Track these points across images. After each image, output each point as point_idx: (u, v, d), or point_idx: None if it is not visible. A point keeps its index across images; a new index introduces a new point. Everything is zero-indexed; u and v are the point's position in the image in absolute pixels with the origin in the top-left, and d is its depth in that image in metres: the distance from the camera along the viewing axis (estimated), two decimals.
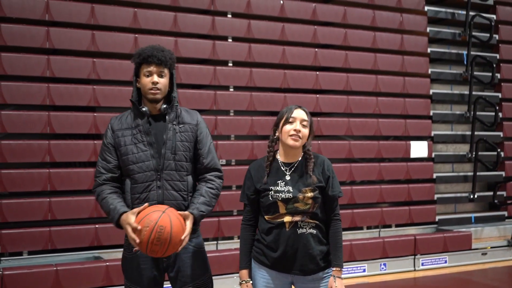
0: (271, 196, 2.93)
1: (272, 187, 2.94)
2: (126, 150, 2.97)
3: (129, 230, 2.77)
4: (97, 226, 5.91)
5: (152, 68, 2.96)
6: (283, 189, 2.92)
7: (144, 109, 2.99)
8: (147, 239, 2.73)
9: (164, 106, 3.01)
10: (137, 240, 2.75)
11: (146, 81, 2.97)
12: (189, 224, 2.87)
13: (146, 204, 2.86)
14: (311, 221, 2.93)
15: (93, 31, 6.35)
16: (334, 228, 3.00)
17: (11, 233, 5.62)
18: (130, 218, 2.79)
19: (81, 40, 6.28)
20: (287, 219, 2.91)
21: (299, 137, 2.93)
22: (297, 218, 2.91)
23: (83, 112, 6.20)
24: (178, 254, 2.98)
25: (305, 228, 2.93)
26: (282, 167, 2.99)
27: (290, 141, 2.93)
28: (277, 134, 3.01)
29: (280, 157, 3.02)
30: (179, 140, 3.00)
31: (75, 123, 6.10)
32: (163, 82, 2.99)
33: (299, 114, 2.97)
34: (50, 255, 5.83)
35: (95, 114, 6.20)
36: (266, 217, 2.97)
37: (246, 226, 3.06)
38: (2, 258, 5.67)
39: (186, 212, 2.90)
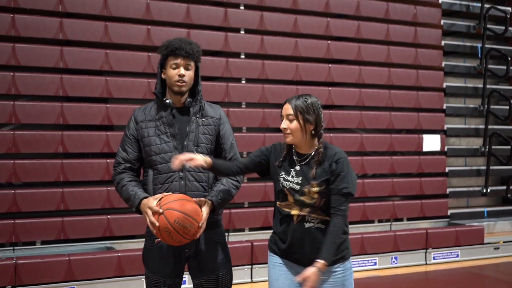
0: (281, 183, 2.91)
1: (283, 173, 2.91)
2: (149, 141, 2.98)
3: (149, 213, 2.79)
4: (109, 216, 5.95)
5: (179, 61, 2.97)
6: (292, 179, 2.89)
7: (168, 101, 3.01)
8: (165, 227, 2.74)
9: (189, 99, 3.03)
10: (157, 224, 2.75)
11: (172, 73, 2.98)
12: (205, 210, 2.88)
13: (169, 193, 2.87)
14: (319, 216, 2.88)
15: (106, 22, 6.36)
16: (332, 222, 2.85)
17: (24, 222, 5.67)
18: (151, 202, 2.81)
19: (94, 31, 6.30)
20: (294, 212, 2.88)
21: (289, 133, 2.91)
22: (304, 212, 2.87)
23: (96, 103, 6.23)
24: (200, 245, 3.00)
25: (313, 223, 2.88)
26: (294, 157, 2.96)
27: (285, 139, 2.96)
28: None
29: (295, 147, 2.99)
30: (202, 132, 3.02)
31: (88, 114, 6.13)
32: (189, 75, 3.00)
33: (285, 110, 2.95)
34: (62, 245, 5.88)
35: (107, 105, 6.23)
36: (278, 203, 2.95)
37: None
38: (15, 248, 5.73)
39: (203, 199, 2.92)
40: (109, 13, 6.42)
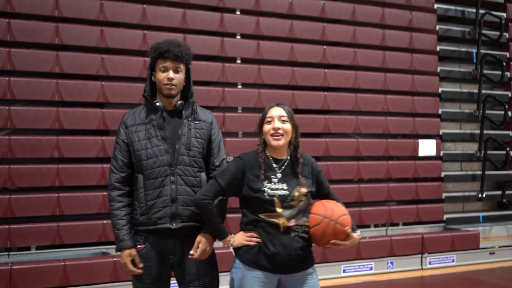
0: (268, 194, 2.84)
1: (267, 184, 2.85)
2: (140, 145, 2.95)
3: (129, 265, 2.96)
4: (104, 221, 5.93)
5: (168, 64, 2.94)
6: (277, 186, 2.85)
7: (157, 104, 2.98)
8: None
9: (180, 102, 3.01)
10: (138, 271, 2.94)
11: (161, 76, 2.95)
12: (202, 243, 3.07)
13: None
14: (303, 224, 2.87)
15: (102, 27, 6.36)
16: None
17: (19, 228, 5.65)
18: (136, 257, 2.96)
19: (90, 36, 6.30)
20: (281, 222, 2.83)
21: (281, 134, 2.88)
22: (291, 223, 2.83)
23: (92, 108, 6.22)
24: (184, 252, 2.97)
25: (297, 231, 2.86)
26: (273, 164, 2.92)
27: (272, 142, 2.88)
28: (262, 136, 2.94)
29: (270, 153, 2.94)
30: (194, 136, 2.99)
31: (84, 119, 6.12)
32: (178, 77, 2.97)
33: (276, 111, 2.91)
34: (58, 250, 5.86)
35: (103, 110, 6.22)
36: (260, 215, 2.86)
37: (209, 200, 2.90)
38: (10, 253, 5.71)
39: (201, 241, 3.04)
40: (105, 18, 6.42)
